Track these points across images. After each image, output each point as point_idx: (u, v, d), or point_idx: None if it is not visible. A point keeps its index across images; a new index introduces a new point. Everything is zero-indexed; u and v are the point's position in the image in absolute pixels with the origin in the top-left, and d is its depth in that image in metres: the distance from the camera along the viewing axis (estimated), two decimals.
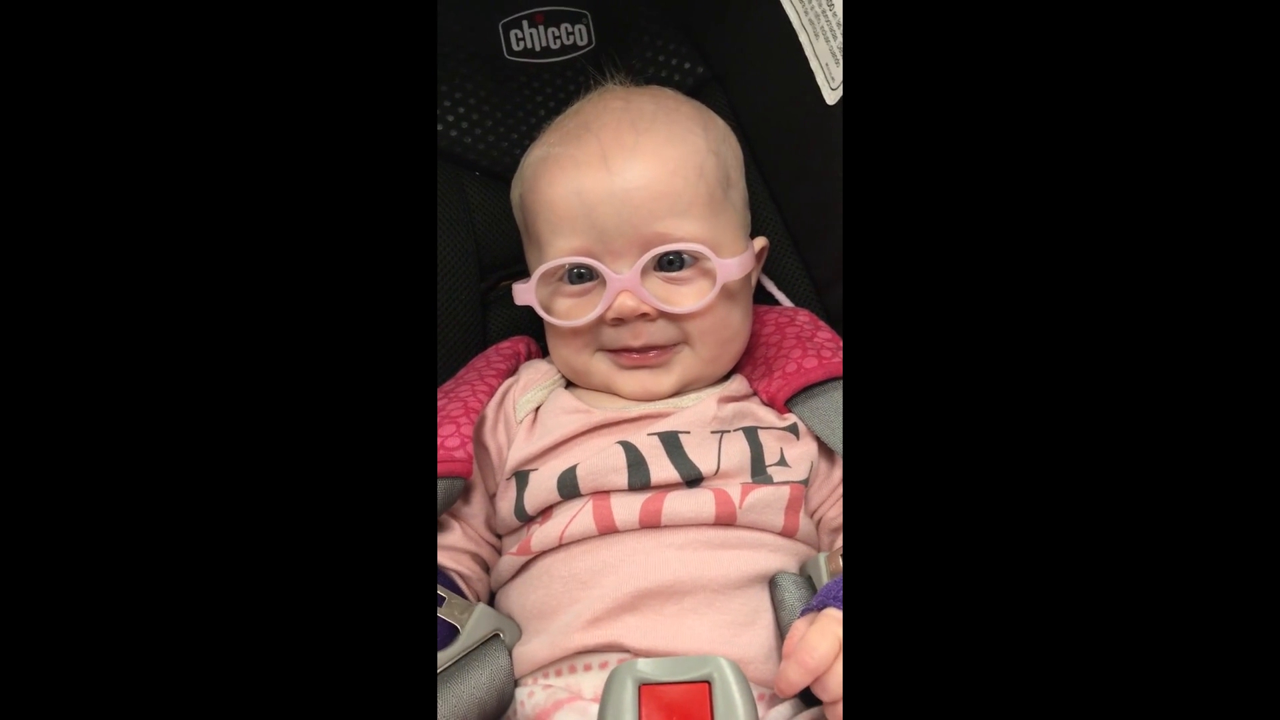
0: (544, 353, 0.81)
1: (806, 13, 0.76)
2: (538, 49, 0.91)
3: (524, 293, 0.75)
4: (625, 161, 0.70)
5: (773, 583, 0.66)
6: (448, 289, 0.83)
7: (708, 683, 0.57)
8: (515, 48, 0.91)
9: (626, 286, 0.69)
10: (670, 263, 0.71)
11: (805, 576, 0.67)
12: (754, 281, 0.80)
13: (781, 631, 0.64)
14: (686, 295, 0.71)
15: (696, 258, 0.71)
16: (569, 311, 0.73)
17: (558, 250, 0.72)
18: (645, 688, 0.57)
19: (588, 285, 0.72)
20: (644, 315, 0.70)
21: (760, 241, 0.79)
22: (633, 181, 0.69)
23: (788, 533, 0.69)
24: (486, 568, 0.74)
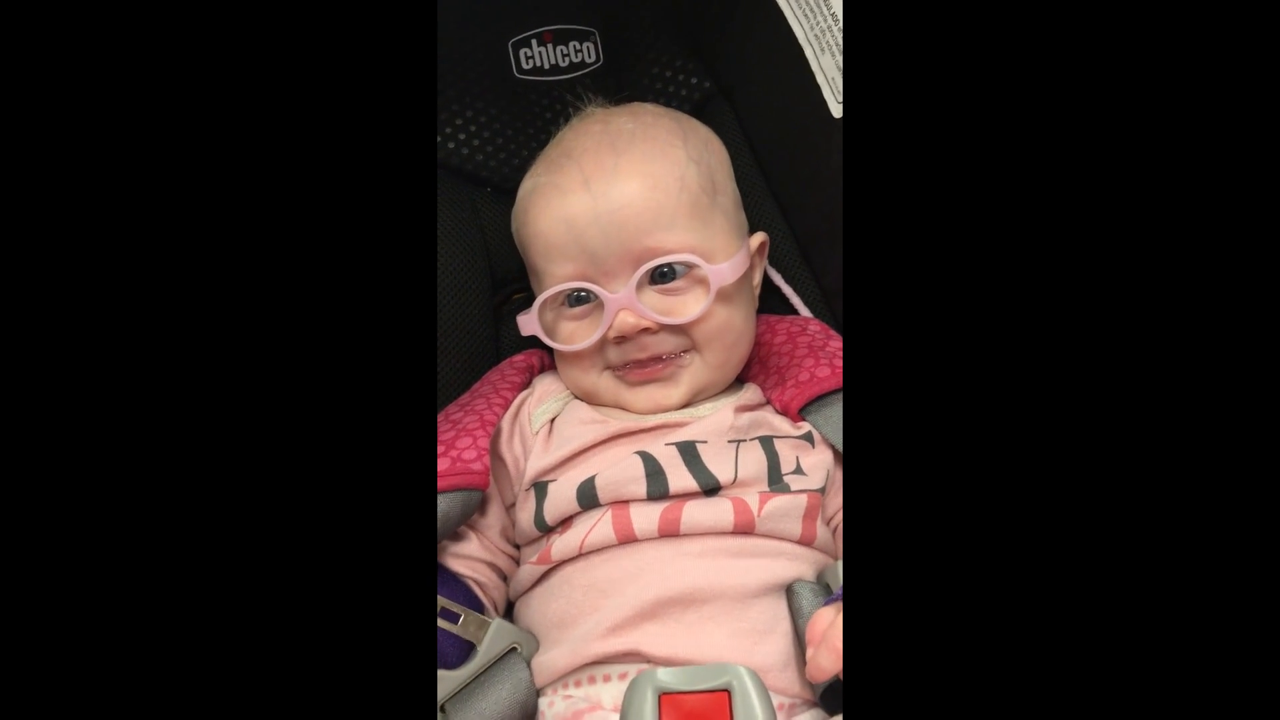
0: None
1: (812, 28, 0.76)
2: (547, 67, 0.92)
3: (528, 323, 0.76)
4: (606, 184, 0.71)
5: (790, 591, 0.66)
6: (461, 303, 0.84)
7: (728, 691, 0.57)
8: (525, 66, 0.92)
9: (624, 304, 0.70)
10: (664, 275, 0.71)
11: (823, 584, 0.67)
12: (758, 279, 0.80)
13: (799, 639, 0.64)
14: (684, 305, 0.72)
15: (689, 267, 0.72)
16: (572, 335, 0.74)
17: (554, 277, 0.73)
18: (665, 696, 0.57)
19: (587, 308, 0.73)
20: (645, 330, 0.71)
21: (759, 238, 0.80)
22: (615, 202, 0.70)
23: (805, 541, 0.69)
24: (503, 577, 0.74)
